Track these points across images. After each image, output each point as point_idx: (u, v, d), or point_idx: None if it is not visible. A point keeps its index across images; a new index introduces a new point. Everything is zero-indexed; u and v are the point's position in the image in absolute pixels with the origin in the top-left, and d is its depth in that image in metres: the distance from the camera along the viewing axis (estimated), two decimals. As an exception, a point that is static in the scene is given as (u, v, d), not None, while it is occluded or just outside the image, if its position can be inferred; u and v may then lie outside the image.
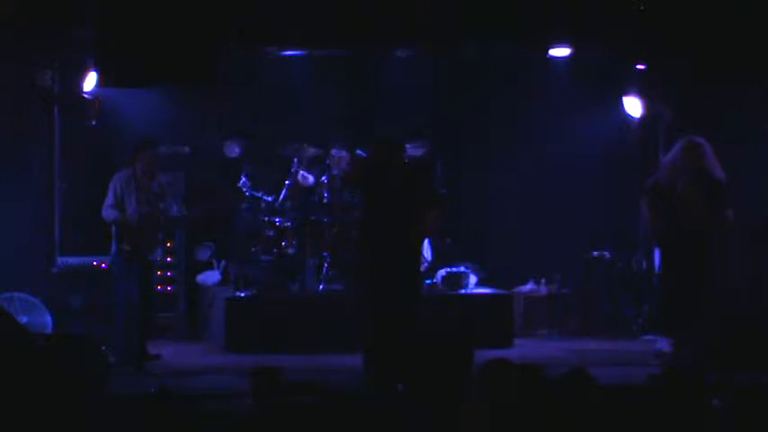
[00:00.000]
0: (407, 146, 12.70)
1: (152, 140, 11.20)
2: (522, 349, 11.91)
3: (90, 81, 12.02)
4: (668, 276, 10.95)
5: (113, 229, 10.99)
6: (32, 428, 6.79)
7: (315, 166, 12.88)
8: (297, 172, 12.64)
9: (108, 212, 10.96)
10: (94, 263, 12.26)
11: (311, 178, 12.67)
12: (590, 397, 5.92)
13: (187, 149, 13.29)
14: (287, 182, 12.70)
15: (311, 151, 12.88)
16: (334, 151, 12.62)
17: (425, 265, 12.72)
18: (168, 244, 12.97)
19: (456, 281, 12.67)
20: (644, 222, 11.32)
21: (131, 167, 10.96)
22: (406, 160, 10.60)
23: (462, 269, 12.82)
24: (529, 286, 13.40)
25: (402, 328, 9.64)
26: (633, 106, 13.20)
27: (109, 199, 10.96)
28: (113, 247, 11.02)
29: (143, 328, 10.94)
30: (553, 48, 12.42)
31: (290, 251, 12.38)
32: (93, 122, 12.49)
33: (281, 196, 12.65)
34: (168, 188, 11.33)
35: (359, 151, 11.98)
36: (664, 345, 10.83)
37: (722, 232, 10.73)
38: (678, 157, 10.79)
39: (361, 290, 10.15)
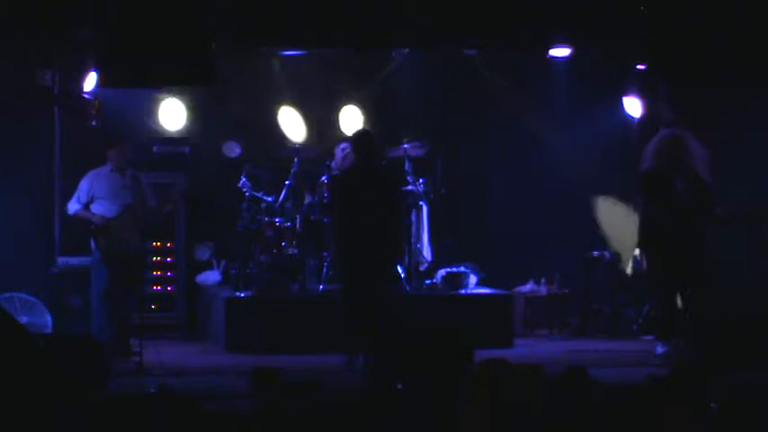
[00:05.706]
0: (406, 146, 12.79)
1: (120, 136, 11.40)
2: (522, 349, 11.92)
3: (90, 81, 12.02)
4: (661, 276, 10.98)
5: (92, 226, 11.07)
6: (33, 428, 6.79)
7: (315, 165, 12.88)
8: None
9: (70, 206, 11.11)
10: (94, 263, 12.26)
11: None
12: (589, 397, 5.93)
13: (187, 149, 13.28)
14: (287, 182, 12.70)
15: (311, 151, 12.89)
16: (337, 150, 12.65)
17: (425, 265, 12.74)
18: (169, 244, 13.00)
19: (456, 281, 12.66)
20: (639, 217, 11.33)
21: (102, 165, 11.14)
22: (379, 164, 10.94)
23: (462, 269, 12.81)
24: (529, 286, 13.40)
25: (388, 324, 9.80)
26: (633, 106, 13.20)
27: (75, 195, 11.08)
28: (92, 243, 11.09)
29: (126, 321, 10.97)
30: (553, 48, 12.41)
31: (290, 251, 12.38)
32: (93, 122, 12.50)
33: (281, 196, 12.65)
34: (146, 183, 11.36)
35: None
36: (659, 347, 10.85)
37: (710, 229, 10.80)
38: (659, 148, 10.84)
39: (348, 290, 10.45)
